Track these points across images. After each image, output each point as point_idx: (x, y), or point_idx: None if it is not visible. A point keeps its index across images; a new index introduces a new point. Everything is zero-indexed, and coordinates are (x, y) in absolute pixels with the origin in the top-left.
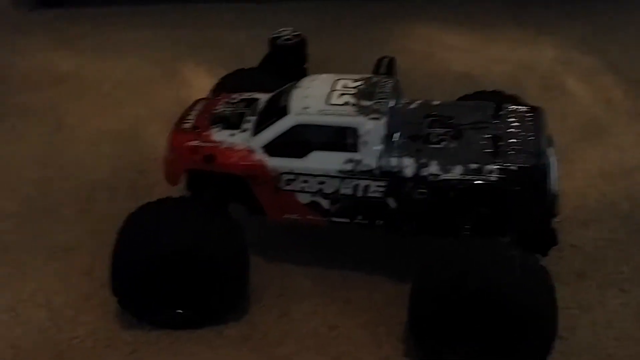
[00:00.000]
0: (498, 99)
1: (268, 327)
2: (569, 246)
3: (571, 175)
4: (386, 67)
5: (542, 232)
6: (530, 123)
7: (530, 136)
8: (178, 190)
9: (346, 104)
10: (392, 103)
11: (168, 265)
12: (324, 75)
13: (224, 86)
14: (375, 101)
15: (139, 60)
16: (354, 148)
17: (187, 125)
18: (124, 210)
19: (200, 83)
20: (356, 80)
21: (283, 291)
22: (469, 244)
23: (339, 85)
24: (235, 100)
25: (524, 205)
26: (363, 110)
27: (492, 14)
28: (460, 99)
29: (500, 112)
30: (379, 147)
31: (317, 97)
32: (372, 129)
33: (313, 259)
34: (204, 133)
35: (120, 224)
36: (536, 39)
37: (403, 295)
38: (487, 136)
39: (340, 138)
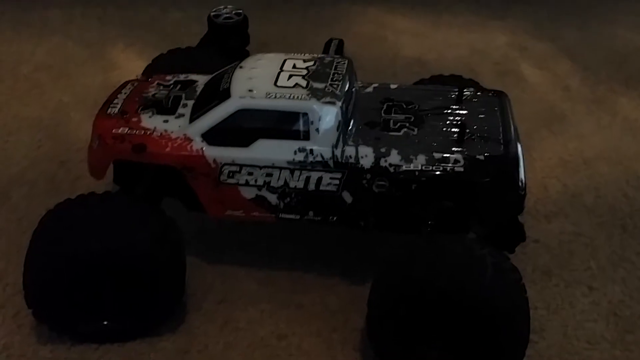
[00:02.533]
0: (457, 84)
1: (209, 338)
2: (533, 242)
3: (530, 165)
4: (334, 50)
5: (509, 227)
6: (496, 109)
7: (496, 123)
8: (104, 185)
9: (296, 86)
10: (347, 86)
11: (91, 271)
12: (271, 55)
13: (157, 67)
14: (329, 83)
15: (63, 40)
16: (305, 136)
17: (113, 110)
18: (43, 207)
19: (131, 66)
20: (307, 61)
21: (225, 296)
22: (435, 241)
23: (287, 66)
24: (170, 83)
25: (492, 199)
26: (315, 94)
27: None
28: (416, 83)
29: (463, 97)
30: (334, 135)
31: (264, 79)
32: (326, 114)
33: (258, 259)
34: (133, 119)
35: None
36: (488, 23)
37: (359, 298)
38: (450, 123)
39: (289, 124)
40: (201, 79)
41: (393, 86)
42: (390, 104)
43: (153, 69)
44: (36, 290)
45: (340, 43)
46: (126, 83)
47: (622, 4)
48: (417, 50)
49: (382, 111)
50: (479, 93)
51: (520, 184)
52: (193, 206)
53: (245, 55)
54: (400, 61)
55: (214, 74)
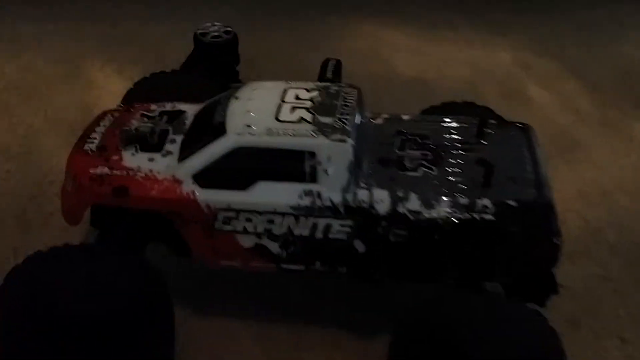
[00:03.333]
0: (470, 112)
1: None
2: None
3: None
4: (332, 71)
5: (541, 278)
6: (522, 145)
7: (524, 161)
8: (81, 226)
9: (301, 120)
10: (357, 119)
11: (66, 337)
12: (269, 83)
13: (138, 93)
14: (338, 117)
15: (36, 58)
16: (312, 178)
17: (91, 146)
18: (9, 249)
19: (109, 85)
20: (310, 90)
21: (218, 356)
22: (466, 300)
23: (289, 96)
24: (154, 114)
25: (525, 249)
26: (323, 129)
27: (439, 11)
28: (425, 111)
29: (485, 131)
30: (345, 177)
31: (263, 112)
32: (336, 153)
33: (254, 309)
34: (114, 157)
35: (5, 265)
36: (490, 40)
37: (368, 356)
38: (472, 161)
39: (294, 165)
40: (190, 109)
41: (405, 117)
42: (404, 138)
43: (134, 95)
44: (5, 356)
45: (338, 64)
46: (104, 114)
47: (627, 20)
48: (415, 67)
49: (396, 147)
50: (501, 126)
51: (556, 232)
52: (182, 252)
53: (234, 75)
54: (397, 80)
55: (204, 104)
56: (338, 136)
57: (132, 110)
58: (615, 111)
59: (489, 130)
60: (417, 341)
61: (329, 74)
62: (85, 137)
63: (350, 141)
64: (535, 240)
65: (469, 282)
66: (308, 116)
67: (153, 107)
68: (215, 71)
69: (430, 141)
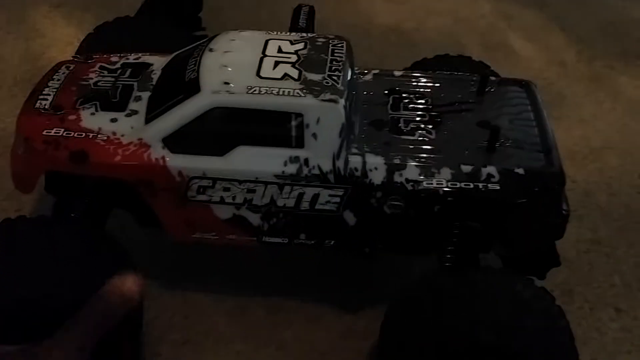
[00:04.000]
0: (465, 67)
1: None
2: None
3: None
4: (305, 19)
5: (543, 251)
6: (526, 104)
7: (530, 123)
8: (35, 193)
9: (285, 77)
10: (349, 77)
11: (18, 323)
12: (247, 33)
13: (95, 43)
14: (327, 74)
15: None
16: (299, 142)
17: (44, 104)
18: None
19: (57, 32)
20: (295, 42)
21: (190, 335)
22: (467, 278)
23: (271, 49)
24: (116, 66)
25: (531, 221)
26: (311, 88)
27: None
28: (416, 64)
29: (486, 89)
30: (336, 142)
31: (242, 67)
32: (326, 115)
33: (227, 284)
34: (70, 116)
35: None
36: None
37: (353, 334)
38: (474, 124)
39: (278, 128)
40: (157, 62)
41: (397, 73)
42: (397, 96)
43: (90, 45)
44: None
45: (312, 10)
46: (59, 65)
47: None
48: (394, 17)
49: (389, 106)
50: (501, 83)
51: (565, 203)
52: (148, 222)
53: (197, 22)
54: (375, 30)
55: (172, 56)
56: (328, 96)
57: (90, 62)
58: (602, 65)
59: (490, 88)
60: (416, 318)
61: (301, 23)
62: (37, 93)
63: (342, 102)
64: (543, 212)
65: (466, 254)
66: (294, 72)
67: (114, 58)
68: (175, 18)
69: (426, 101)
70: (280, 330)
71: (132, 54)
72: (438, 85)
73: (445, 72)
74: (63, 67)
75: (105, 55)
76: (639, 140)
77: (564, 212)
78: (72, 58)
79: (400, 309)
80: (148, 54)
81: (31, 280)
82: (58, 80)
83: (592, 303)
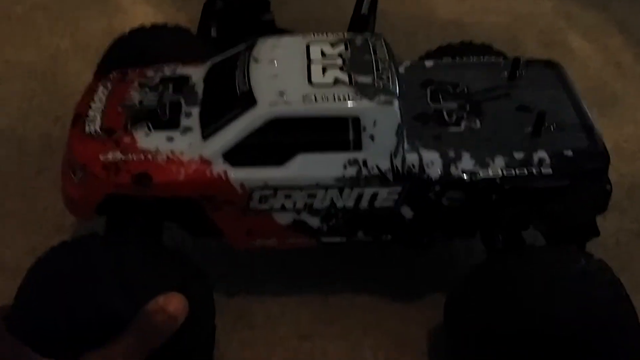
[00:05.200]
0: (468, 51)
1: (219, 334)
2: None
3: None
4: (368, 7)
5: (584, 223)
6: (558, 85)
7: (566, 104)
8: None
9: (337, 82)
10: (397, 76)
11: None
12: (287, 39)
13: (116, 58)
14: (377, 75)
15: None
16: (356, 145)
17: (93, 128)
18: (33, 168)
19: (137, 10)
20: (335, 44)
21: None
22: (538, 257)
23: (314, 53)
24: (155, 81)
25: (579, 199)
26: (364, 91)
27: None
28: (438, 51)
29: (518, 72)
30: (392, 142)
31: (293, 76)
32: (382, 117)
33: (285, 283)
34: (125, 139)
35: (26, 186)
36: None
37: (395, 294)
38: (514, 108)
39: (336, 133)
40: (194, 73)
41: (428, 64)
42: (433, 87)
43: (111, 61)
44: None
45: (374, 0)
46: (94, 86)
47: None
48: (454, 12)
49: (428, 98)
50: (529, 65)
51: (608, 179)
52: (201, 233)
53: (266, 5)
54: (435, 23)
55: (210, 65)
56: (382, 97)
57: (126, 79)
58: None
59: (519, 71)
60: (484, 301)
61: (364, 10)
62: (81, 116)
63: (396, 102)
64: (590, 190)
65: (513, 235)
66: (344, 77)
67: (149, 73)
68: (252, 27)
69: (462, 90)
70: (325, 287)
71: (166, 67)
72: (470, 72)
73: (473, 59)
74: (100, 87)
75: (139, 70)
76: None
77: (607, 188)
78: (108, 75)
79: (468, 292)
80: (180, 64)
81: (111, 296)
82: (100, 101)
83: (629, 290)
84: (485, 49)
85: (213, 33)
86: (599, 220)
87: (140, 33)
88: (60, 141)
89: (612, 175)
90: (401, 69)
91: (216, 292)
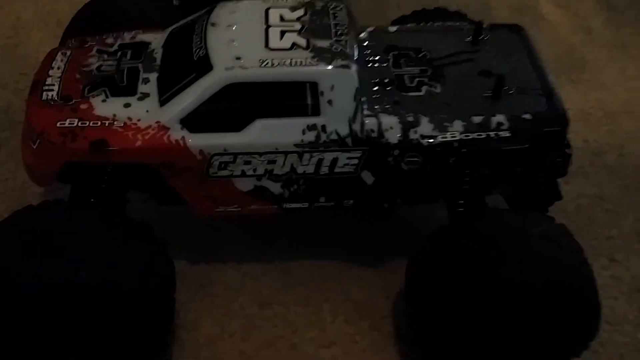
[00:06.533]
0: (443, 18)
1: (180, 304)
2: None
3: None
4: None
5: (546, 187)
6: (520, 49)
7: (527, 68)
8: None
9: (294, 46)
10: (355, 40)
11: (55, 309)
12: (246, 3)
13: (81, 26)
14: (335, 39)
15: None
16: (315, 110)
17: (51, 94)
18: None
19: None
20: (294, 9)
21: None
22: (500, 220)
23: (273, 18)
24: (114, 48)
25: (538, 162)
26: (322, 55)
27: None
28: (412, 15)
29: (482, 37)
30: (351, 106)
31: (250, 40)
32: (340, 81)
33: (246, 252)
34: (82, 105)
35: None
36: None
37: (356, 262)
38: (475, 73)
39: (294, 98)
40: (154, 40)
41: (392, 29)
42: (397, 53)
43: (76, 29)
44: None
45: None
46: (53, 53)
47: None
48: None
49: (391, 64)
50: (493, 30)
51: (568, 143)
52: (167, 201)
53: None
54: None
55: (169, 32)
56: (340, 62)
57: (85, 46)
58: (629, 33)
59: (483, 36)
60: (447, 263)
61: None
62: (39, 84)
63: (354, 66)
64: (550, 153)
65: (475, 199)
66: (302, 41)
67: (109, 39)
68: None
69: (425, 54)
70: (286, 256)
71: (126, 33)
72: (433, 37)
73: (437, 24)
74: (59, 54)
75: (98, 38)
76: None
77: (567, 151)
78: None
79: (432, 253)
80: (140, 31)
81: (68, 264)
82: (58, 68)
83: (587, 252)
84: (460, 17)
85: (175, 2)
86: (562, 185)
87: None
88: (20, 113)
89: (576, 141)
90: (365, 35)
91: (177, 262)
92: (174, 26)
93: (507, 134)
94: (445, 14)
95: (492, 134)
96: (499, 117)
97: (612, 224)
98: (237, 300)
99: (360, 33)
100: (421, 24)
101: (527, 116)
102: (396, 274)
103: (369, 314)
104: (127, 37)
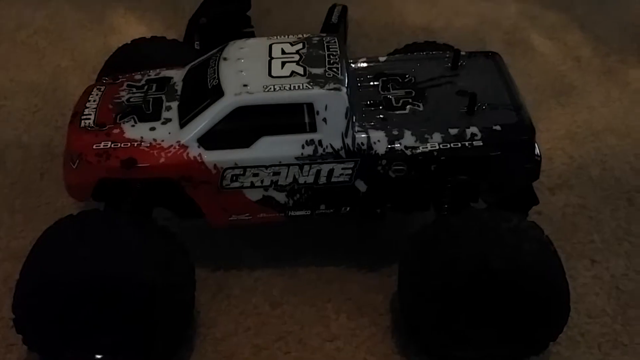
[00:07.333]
0: (432, 50)
1: (200, 305)
2: (535, 214)
3: (537, 137)
4: (337, 16)
5: (522, 193)
6: (495, 72)
7: (500, 88)
8: None
9: (293, 74)
10: (345, 67)
11: (87, 299)
12: (253, 41)
13: (116, 64)
14: (328, 67)
15: (63, 4)
16: (312, 127)
17: (87, 122)
18: (37, 172)
19: (130, 30)
20: (294, 43)
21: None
22: (477, 215)
23: (276, 52)
24: (141, 82)
25: (510, 168)
26: (317, 80)
27: None
28: (404, 48)
29: (458, 63)
30: (343, 123)
31: (255, 70)
32: (332, 102)
33: (252, 258)
34: (115, 130)
35: (32, 186)
36: None
37: (356, 266)
38: (453, 93)
39: (293, 117)
40: (175, 75)
41: (382, 59)
42: (385, 79)
43: (112, 67)
44: (27, 315)
45: (344, 9)
46: (90, 89)
47: None
48: (424, 18)
49: (380, 87)
50: (470, 56)
51: (537, 150)
52: (187, 214)
53: (246, 22)
54: (406, 29)
55: (188, 68)
56: (332, 85)
57: (117, 81)
58: (615, 60)
59: (461, 62)
60: (431, 254)
61: (334, 19)
62: (78, 115)
63: (344, 89)
64: (520, 159)
65: (459, 204)
66: (299, 69)
67: (137, 76)
68: (225, 16)
69: (410, 79)
70: (294, 261)
71: (152, 71)
72: (418, 64)
73: (422, 53)
74: (94, 89)
75: (128, 75)
76: None
77: (536, 157)
78: (101, 81)
79: (416, 249)
80: (165, 69)
81: (100, 261)
82: (94, 101)
83: (569, 254)
84: (447, 48)
85: (197, 46)
86: (548, 196)
87: (139, 43)
88: (60, 147)
89: (563, 157)
90: (358, 64)
91: (199, 269)
92: (192, 63)
93: (480, 143)
94: (435, 47)
95: (467, 143)
96: (473, 129)
97: (594, 229)
98: (251, 301)
99: (354, 63)
100: (408, 54)
101: (498, 127)
102: (393, 276)
103: (368, 311)
104: (152, 73)
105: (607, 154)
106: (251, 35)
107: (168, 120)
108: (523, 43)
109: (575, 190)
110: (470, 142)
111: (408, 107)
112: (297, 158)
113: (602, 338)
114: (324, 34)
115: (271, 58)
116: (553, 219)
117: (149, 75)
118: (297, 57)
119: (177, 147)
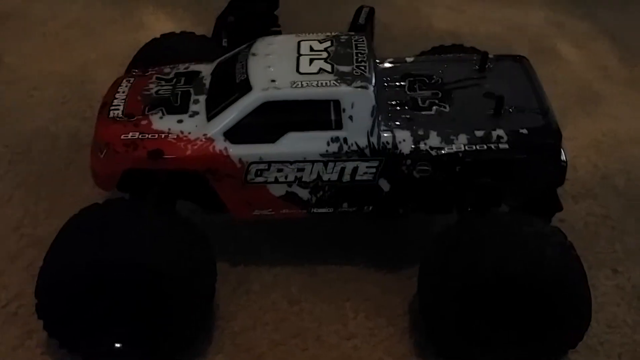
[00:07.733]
0: (458, 53)
1: (220, 299)
2: (558, 221)
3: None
4: (364, 17)
5: (546, 197)
6: (522, 75)
7: (528, 91)
8: None
9: (321, 71)
10: (373, 66)
11: (108, 286)
12: (282, 37)
13: (146, 57)
14: (355, 65)
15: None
16: (338, 125)
17: (116, 113)
18: (63, 162)
19: (159, 26)
20: (323, 41)
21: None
22: (500, 219)
23: (304, 49)
24: (170, 76)
25: (536, 172)
26: (344, 78)
27: None
28: (431, 51)
29: (486, 65)
30: (369, 122)
31: (283, 66)
32: (359, 100)
33: (273, 254)
34: (143, 122)
35: (57, 175)
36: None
37: (374, 267)
38: (480, 95)
39: (320, 114)
40: (204, 69)
41: (409, 59)
42: (412, 79)
43: (142, 59)
44: (49, 300)
45: (371, 11)
46: (119, 80)
47: None
48: (451, 23)
49: (406, 88)
50: (499, 59)
51: (563, 155)
52: (210, 207)
53: (274, 21)
54: (433, 34)
55: (217, 63)
56: (359, 83)
57: (146, 74)
58: None
59: (489, 65)
60: (453, 256)
61: (361, 20)
62: (107, 105)
63: (371, 87)
64: (546, 164)
65: (482, 207)
66: (327, 67)
67: (166, 69)
68: (252, 15)
69: (437, 80)
70: (314, 261)
71: (181, 64)
72: (445, 66)
73: (449, 55)
74: (124, 80)
75: (157, 68)
76: None
77: (562, 162)
78: (130, 72)
79: (438, 250)
80: (193, 63)
81: (121, 250)
82: (123, 92)
83: (590, 263)
84: (474, 51)
85: (224, 43)
86: (572, 205)
87: (169, 37)
88: (86, 139)
89: (587, 166)
90: (386, 64)
91: (220, 263)
92: (221, 58)
93: (505, 145)
94: (462, 50)
95: (492, 145)
96: (499, 132)
97: (617, 239)
98: (270, 297)
99: (381, 63)
100: (435, 56)
101: (524, 131)
102: (412, 278)
103: (387, 312)
104: (181, 67)
105: (632, 164)
106: (278, 34)
107: (195, 113)
108: (549, 50)
109: (598, 200)
110: (496, 145)
111: (434, 107)
112: (321, 155)
113: (621, 348)
114: (352, 33)
115: (299, 55)
116: (575, 227)
117: (178, 69)
118: (325, 55)
119: (204, 140)
